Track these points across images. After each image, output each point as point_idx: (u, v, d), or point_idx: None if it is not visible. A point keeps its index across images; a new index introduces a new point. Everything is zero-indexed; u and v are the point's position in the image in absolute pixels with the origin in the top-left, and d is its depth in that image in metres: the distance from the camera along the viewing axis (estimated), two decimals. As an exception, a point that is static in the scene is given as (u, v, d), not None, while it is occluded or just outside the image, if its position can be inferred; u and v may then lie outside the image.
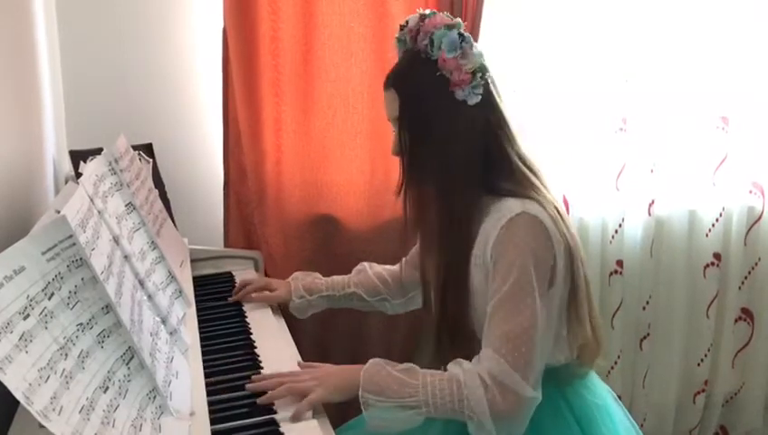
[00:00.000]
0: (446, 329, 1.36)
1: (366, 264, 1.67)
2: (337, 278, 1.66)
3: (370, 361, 1.27)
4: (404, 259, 1.63)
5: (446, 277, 1.34)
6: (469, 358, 1.25)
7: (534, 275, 1.21)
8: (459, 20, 1.31)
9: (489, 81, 1.31)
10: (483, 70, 1.28)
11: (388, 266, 1.66)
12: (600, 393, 1.40)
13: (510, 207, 1.25)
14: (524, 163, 1.32)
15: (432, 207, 1.33)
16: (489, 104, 1.30)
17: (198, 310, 1.50)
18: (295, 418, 1.19)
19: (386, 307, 1.65)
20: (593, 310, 1.35)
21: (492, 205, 1.28)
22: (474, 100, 1.28)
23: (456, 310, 1.34)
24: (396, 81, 1.34)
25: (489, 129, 1.30)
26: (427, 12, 1.33)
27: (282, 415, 1.20)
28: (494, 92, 1.32)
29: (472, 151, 1.29)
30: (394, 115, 1.34)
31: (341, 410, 1.40)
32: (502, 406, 1.18)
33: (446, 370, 1.24)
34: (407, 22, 1.34)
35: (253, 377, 1.29)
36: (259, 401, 1.22)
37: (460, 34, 1.27)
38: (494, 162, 1.30)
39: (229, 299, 1.66)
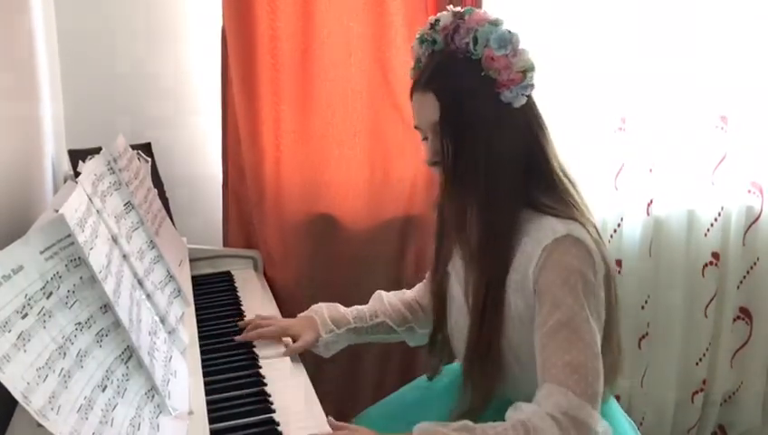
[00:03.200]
0: (478, 355, 1.26)
1: (382, 292, 1.55)
2: (360, 308, 1.51)
3: (419, 425, 1.13)
4: (420, 284, 1.55)
5: (485, 298, 1.23)
6: (494, 388, 1.20)
7: (586, 300, 1.13)
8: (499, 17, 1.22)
9: None
10: (533, 69, 1.19)
11: (403, 292, 1.56)
12: (622, 426, 1.35)
13: (553, 227, 1.17)
14: (566, 175, 1.24)
15: (473, 221, 1.23)
16: (532, 108, 1.23)
17: (197, 309, 1.50)
18: None
19: (412, 337, 1.53)
20: (618, 330, 1.28)
21: (531, 223, 1.20)
22: (520, 102, 1.20)
23: (490, 334, 1.24)
24: (435, 83, 1.22)
25: (532, 134, 1.23)
26: (463, 9, 1.24)
27: (280, 414, 1.20)
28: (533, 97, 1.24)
29: (517, 159, 1.21)
30: (429, 121, 1.23)
31: (341, 413, 1.40)
32: None
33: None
34: (437, 20, 1.24)
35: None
36: None
37: (509, 31, 1.19)
38: (534, 172, 1.23)
39: (237, 338, 1.45)
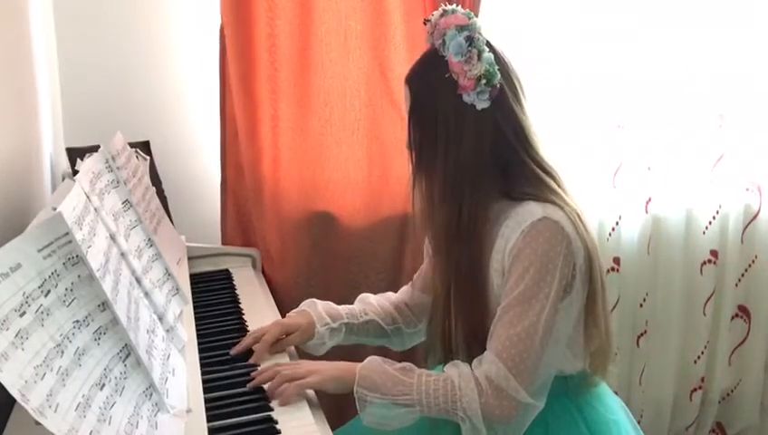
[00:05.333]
0: (460, 335, 1.32)
1: (368, 294, 1.56)
2: (350, 306, 1.52)
3: (368, 358, 1.27)
4: (408, 284, 1.57)
5: (456, 280, 1.30)
6: None
7: (551, 283, 1.19)
8: (474, 20, 1.26)
9: (505, 85, 1.25)
10: (489, 77, 1.22)
11: (389, 294, 1.58)
12: (613, 407, 1.38)
13: (531, 211, 1.22)
14: (542, 168, 1.28)
15: (439, 205, 1.29)
16: (500, 109, 1.25)
17: (195, 307, 1.50)
18: (285, 399, 1.21)
19: (398, 337, 1.54)
20: (607, 314, 1.32)
21: (511, 209, 1.25)
22: (482, 105, 1.23)
23: (469, 316, 1.30)
24: (409, 76, 1.32)
25: (499, 133, 1.25)
26: (449, 8, 1.28)
27: (278, 412, 1.20)
28: (510, 97, 1.26)
29: (480, 154, 1.25)
30: (407, 110, 1.32)
31: (339, 412, 1.40)
32: (496, 410, 1.18)
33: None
34: (432, 16, 1.29)
35: (253, 374, 1.29)
36: (267, 390, 1.24)
37: (469, 38, 1.23)
38: (509, 167, 1.27)
39: (232, 352, 1.40)
